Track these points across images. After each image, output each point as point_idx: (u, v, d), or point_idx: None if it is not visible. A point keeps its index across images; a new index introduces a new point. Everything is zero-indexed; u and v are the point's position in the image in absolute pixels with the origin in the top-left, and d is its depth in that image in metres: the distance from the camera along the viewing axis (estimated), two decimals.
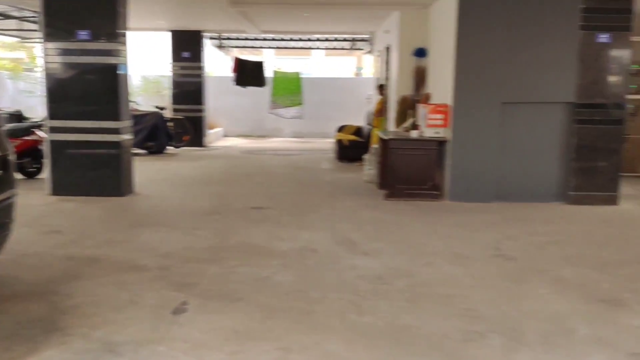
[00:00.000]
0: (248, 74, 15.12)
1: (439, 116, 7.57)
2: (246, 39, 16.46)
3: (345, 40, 16.49)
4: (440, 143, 7.63)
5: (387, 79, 11.30)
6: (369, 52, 15.93)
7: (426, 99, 8.69)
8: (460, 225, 6.30)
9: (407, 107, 9.20)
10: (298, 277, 4.48)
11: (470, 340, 3.39)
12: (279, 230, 5.92)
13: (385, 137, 8.02)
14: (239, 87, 15.32)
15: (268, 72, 15.54)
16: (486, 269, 4.79)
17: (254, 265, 4.74)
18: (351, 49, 17.37)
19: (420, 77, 9.41)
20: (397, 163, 7.64)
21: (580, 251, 5.35)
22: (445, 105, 7.58)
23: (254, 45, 17.66)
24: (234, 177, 9.72)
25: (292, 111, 16.05)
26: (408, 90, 9.59)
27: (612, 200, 7.44)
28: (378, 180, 8.55)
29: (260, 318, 3.66)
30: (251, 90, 15.51)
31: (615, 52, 7.24)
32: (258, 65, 15.36)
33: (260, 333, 3.44)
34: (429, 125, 7.60)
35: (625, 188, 7.90)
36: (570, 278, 4.56)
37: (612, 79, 7.27)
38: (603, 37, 7.18)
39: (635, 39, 7.47)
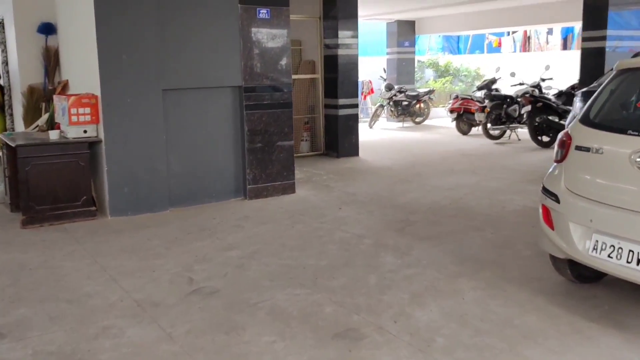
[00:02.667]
0: None
1: (85, 110, 5.86)
2: None
3: None
4: (92, 145, 5.94)
5: (4, 62, 8.75)
6: None
7: (63, 89, 6.79)
8: (133, 250, 4.86)
9: (39, 100, 7.12)
10: None
11: None
12: None
13: (12, 143, 5.88)
14: None
15: None
16: (186, 318, 3.52)
17: None
18: None
19: (52, 60, 7.36)
20: (32, 177, 5.66)
21: (282, 261, 4.53)
22: (92, 96, 5.90)
23: None
24: None
25: None
26: (37, 78, 7.43)
27: (290, 189, 6.98)
28: (10, 201, 6.35)
29: None
30: None
31: (276, 30, 6.66)
32: None
33: None
34: (73, 122, 5.83)
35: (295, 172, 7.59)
36: (287, 307, 3.65)
37: (276, 58, 6.71)
38: (263, 12, 6.52)
39: (293, 17, 7.04)
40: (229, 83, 6.49)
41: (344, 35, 9.44)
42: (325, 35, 9.65)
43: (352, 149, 9.77)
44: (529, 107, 10.11)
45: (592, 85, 7.81)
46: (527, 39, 25.07)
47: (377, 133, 13.14)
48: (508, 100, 11.10)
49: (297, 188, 7.04)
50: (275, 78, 6.71)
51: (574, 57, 16.09)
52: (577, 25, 24.45)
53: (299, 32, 9.61)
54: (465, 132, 12.43)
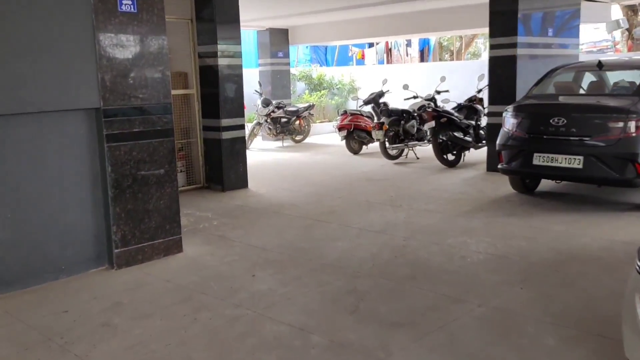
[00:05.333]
0: None
1: None
2: None
3: None
4: None
5: None
6: None
7: None
8: None
9: None
10: None
11: None
12: None
13: None
14: None
15: None
16: None
17: None
18: None
19: None
20: None
21: None
22: None
23: None
24: None
25: None
26: None
27: (176, 247, 5.08)
28: None
29: None
30: None
31: (147, 28, 4.77)
32: None
33: None
34: None
35: None
36: None
37: (150, 68, 4.81)
38: (127, 4, 4.59)
39: (168, 17, 5.18)
40: (79, 104, 4.47)
41: (225, 42, 7.67)
42: (199, 41, 7.80)
43: (240, 180, 8.00)
44: (432, 123, 9.08)
45: (522, 100, 6.85)
46: (389, 51, 24.98)
47: (257, 155, 11.46)
48: (405, 115, 10.04)
49: (184, 244, 5.17)
50: (148, 96, 4.79)
51: (433, 69, 15.80)
52: (433, 38, 24.96)
53: None
54: (356, 151, 11.19)
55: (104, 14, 4.48)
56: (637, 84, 6.30)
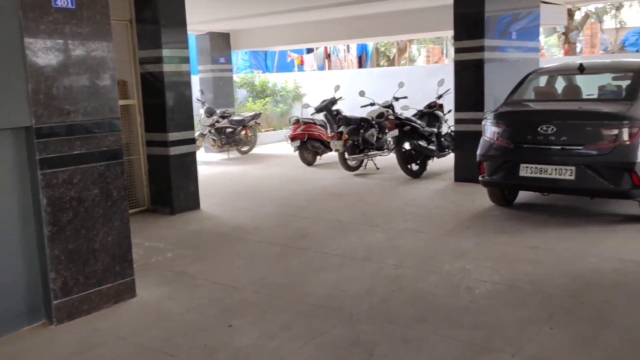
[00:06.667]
0: None
1: None
2: None
3: None
4: None
5: None
6: None
7: None
8: None
9: None
10: None
11: None
12: None
13: None
14: None
15: None
16: None
17: None
18: None
19: None
20: None
21: None
22: None
23: None
24: None
25: None
26: None
27: (128, 291, 4.21)
28: None
29: None
30: None
31: (89, 29, 3.90)
32: None
33: None
34: None
35: None
36: None
37: (93, 77, 3.94)
38: (64, 0, 3.72)
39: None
40: (2, 123, 3.55)
41: (170, 46, 6.80)
42: (140, 45, 6.90)
43: (192, 201, 7.13)
44: (396, 132, 8.52)
45: (504, 107, 6.38)
46: (328, 56, 24.50)
47: (203, 169, 10.54)
48: (364, 124, 9.45)
49: (137, 286, 4.30)
50: (91, 110, 3.92)
51: (381, 74, 15.46)
52: (371, 44, 24.70)
53: None
54: (310, 162, 10.51)
55: (35, 11, 3.58)
56: (625, 87, 5.97)
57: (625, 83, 6.08)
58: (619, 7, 25.20)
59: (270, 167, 10.64)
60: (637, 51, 14.97)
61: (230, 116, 12.16)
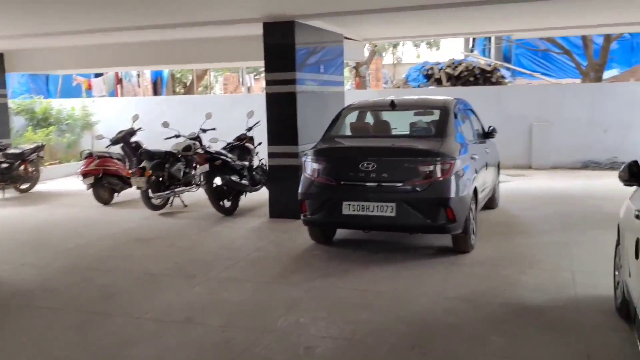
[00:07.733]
0: None
1: None
2: None
3: None
4: None
5: None
6: None
7: None
8: None
9: None
10: None
11: None
12: None
13: None
14: None
15: None
16: None
17: None
18: None
19: None
20: None
21: None
22: None
23: None
24: None
25: None
26: None
27: None
28: None
29: None
30: None
31: None
32: None
33: None
34: None
35: None
36: None
37: None
38: None
39: None
40: None
41: None
42: None
43: None
44: (207, 167, 7.93)
45: (323, 143, 6.20)
46: (119, 81, 22.94)
47: None
48: (169, 158, 8.68)
49: None
50: None
51: (174, 102, 14.84)
52: (167, 70, 23.74)
53: None
54: (107, 201, 9.35)
55: None
56: (434, 124, 6.19)
57: (433, 119, 6.33)
58: (396, 45, 27.77)
59: (58, 207, 9.24)
60: (418, 86, 16.35)
61: (5, 149, 10.41)
